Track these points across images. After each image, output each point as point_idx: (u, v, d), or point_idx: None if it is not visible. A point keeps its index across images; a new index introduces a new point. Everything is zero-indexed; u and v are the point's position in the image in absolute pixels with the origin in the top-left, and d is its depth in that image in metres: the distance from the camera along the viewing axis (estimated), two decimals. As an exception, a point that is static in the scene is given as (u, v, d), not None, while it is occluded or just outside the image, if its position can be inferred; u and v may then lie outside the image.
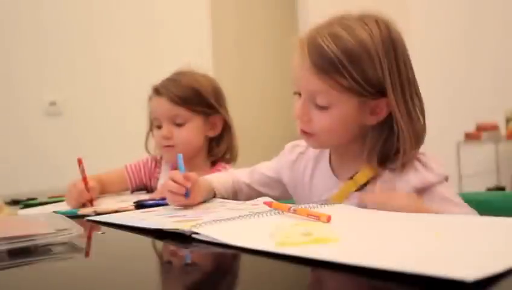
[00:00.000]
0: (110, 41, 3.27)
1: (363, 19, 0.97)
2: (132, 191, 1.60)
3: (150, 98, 1.56)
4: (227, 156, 1.59)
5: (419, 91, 1.01)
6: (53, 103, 3.12)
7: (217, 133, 1.56)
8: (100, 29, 3.25)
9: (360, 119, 0.99)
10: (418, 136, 0.98)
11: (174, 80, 1.54)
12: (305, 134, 1.02)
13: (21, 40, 3.04)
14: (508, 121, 3.66)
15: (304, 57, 0.97)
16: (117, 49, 3.27)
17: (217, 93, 1.56)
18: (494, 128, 3.69)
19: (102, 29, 3.26)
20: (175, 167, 1.55)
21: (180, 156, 1.11)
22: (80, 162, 1.33)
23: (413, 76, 1.00)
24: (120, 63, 3.25)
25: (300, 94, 1.01)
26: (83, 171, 1.34)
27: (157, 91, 1.53)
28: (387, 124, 0.98)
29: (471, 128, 3.75)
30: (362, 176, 0.99)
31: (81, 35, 3.19)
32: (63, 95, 3.14)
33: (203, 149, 1.56)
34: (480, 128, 3.72)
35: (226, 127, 1.57)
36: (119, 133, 3.16)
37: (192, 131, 1.52)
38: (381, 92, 0.96)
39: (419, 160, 0.98)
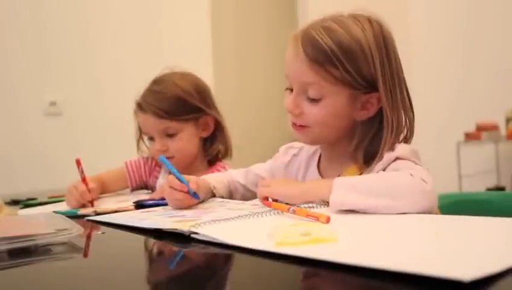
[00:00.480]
0: (110, 41, 3.27)
1: (355, 17, 1.00)
2: (132, 190, 1.60)
3: (135, 112, 1.52)
4: (222, 153, 1.57)
5: (408, 89, 1.02)
6: (53, 103, 3.12)
7: (210, 133, 1.54)
8: (100, 29, 3.25)
9: (351, 114, 1.00)
10: (404, 132, 1.00)
11: (156, 92, 1.48)
12: (297, 127, 1.03)
13: (21, 40, 3.04)
14: (508, 121, 3.66)
15: (297, 50, 0.98)
16: (117, 49, 3.27)
17: (203, 93, 1.52)
18: (494, 128, 3.69)
19: (102, 29, 3.26)
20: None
21: (173, 168, 1.10)
22: (78, 163, 1.33)
23: (402, 73, 1.02)
24: (120, 63, 3.25)
25: (291, 90, 1.02)
26: (82, 172, 1.33)
27: (140, 107, 1.49)
28: (376, 121, 0.99)
29: (471, 128, 3.75)
30: (347, 175, 1.00)
31: (81, 35, 3.19)
32: (63, 95, 3.14)
33: (200, 150, 1.55)
34: (480, 128, 3.72)
35: (218, 125, 1.55)
36: (119, 133, 3.15)
37: (186, 139, 1.49)
38: (372, 87, 0.97)
39: (392, 149, 0.97)
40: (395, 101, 0.98)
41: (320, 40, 0.95)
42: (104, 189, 1.50)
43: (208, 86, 1.57)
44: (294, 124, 1.03)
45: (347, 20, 0.98)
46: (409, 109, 1.01)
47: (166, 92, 1.47)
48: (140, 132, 1.57)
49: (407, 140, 1.01)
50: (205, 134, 1.54)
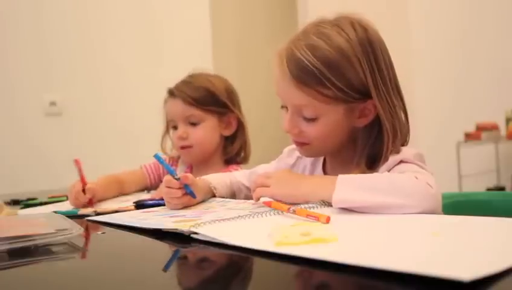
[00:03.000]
0: (110, 41, 3.27)
1: (338, 24, 0.97)
2: (149, 190, 1.61)
3: (166, 101, 1.59)
4: (241, 155, 1.61)
5: (400, 90, 1.01)
6: (53, 103, 3.12)
7: (232, 132, 1.59)
8: (100, 29, 3.25)
9: (350, 124, 0.99)
10: (403, 135, 0.99)
11: (188, 82, 1.57)
12: (299, 144, 1.03)
13: (21, 40, 3.04)
14: (508, 121, 3.65)
15: (283, 70, 0.97)
16: (117, 49, 3.27)
17: (230, 93, 1.60)
18: (494, 128, 3.69)
19: (102, 29, 3.26)
20: (191, 167, 1.57)
21: (164, 162, 1.11)
22: (76, 163, 1.33)
23: (395, 74, 1.00)
24: (120, 63, 3.24)
25: (287, 107, 1.01)
26: (79, 171, 1.33)
27: (171, 93, 1.57)
28: (376, 124, 0.98)
29: (471, 128, 3.75)
30: None
31: (81, 35, 3.19)
32: (63, 95, 3.14)
33: (219, 148, 1.59)
34: (480, 128, 3.71)
35: (240, 126, 1.60)
36: (119, 133, 3.16)
37: (207, 130, 1.54)
38: (366, 95, 0.96)
39: (397, 152, 0.97)
40: (390, 103, 0.96)
41: (305, 60, 0.93)
42: (123, 189, 1.51)
43: (237, 91, 1.65)
44: (295, 142, 1.03)
45: (330, 32, 0.95)
46: (402, 108, 1.00)
47: (198, 83, 1.56)
48: (167, 127, 1.61)
49: (405, 140, 1.00)
50: (227, 132, 1.58)
